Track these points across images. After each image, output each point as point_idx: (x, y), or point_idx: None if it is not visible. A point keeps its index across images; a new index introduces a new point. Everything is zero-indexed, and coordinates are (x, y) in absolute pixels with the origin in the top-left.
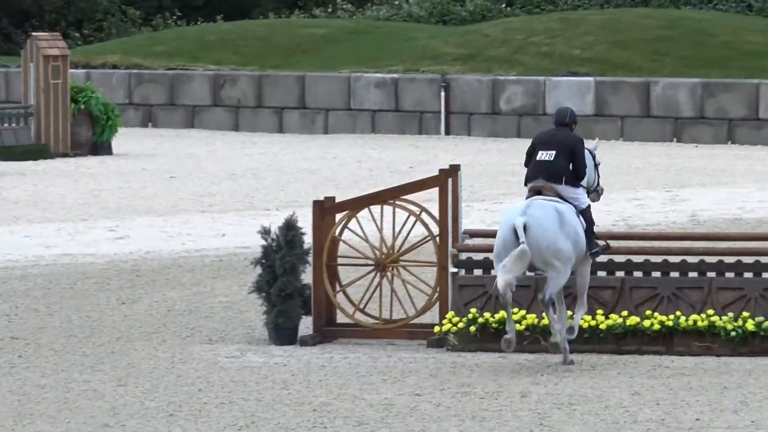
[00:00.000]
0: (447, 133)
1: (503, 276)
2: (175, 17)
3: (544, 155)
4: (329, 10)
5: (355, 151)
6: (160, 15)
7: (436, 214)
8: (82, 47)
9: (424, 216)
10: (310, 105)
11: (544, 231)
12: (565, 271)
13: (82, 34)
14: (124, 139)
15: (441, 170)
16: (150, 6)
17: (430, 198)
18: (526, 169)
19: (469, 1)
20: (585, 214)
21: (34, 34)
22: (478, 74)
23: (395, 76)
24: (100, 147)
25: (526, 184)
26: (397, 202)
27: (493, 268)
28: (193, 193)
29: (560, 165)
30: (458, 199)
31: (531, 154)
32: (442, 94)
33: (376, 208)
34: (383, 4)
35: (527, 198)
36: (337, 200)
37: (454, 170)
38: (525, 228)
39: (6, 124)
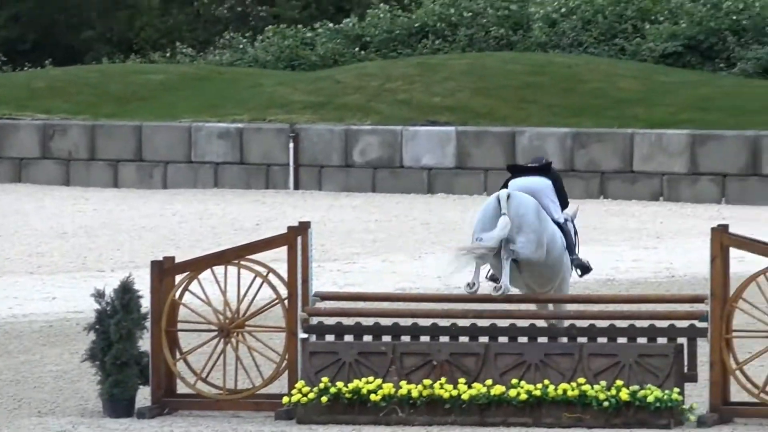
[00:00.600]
0: (296, 187)
1: (478, 249)
2: None
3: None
4: (168, 54)
5: (197, 207)
6: None
7: (285, 275)
8: None
9: (271, 277)
10: (147, 157)
11: (527, 204)
12: (537, 243)
13: None
14: None
15: (290, 228)
16: None
17: (277, 258)
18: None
19: (320, 45)
20: (562, 227)
21: None
22: (330, 123)
23: (240, 125)
24: None
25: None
26: (242, 263)
27: (345, 334)
28: (20, 253)
29: (542, 167)
30: (308, 259)
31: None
32: (291, 145)
33: (219, 269)
34: (226, 49)
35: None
36: (177, 260)
37: (303, 228)
38: (508, 198)
39: None
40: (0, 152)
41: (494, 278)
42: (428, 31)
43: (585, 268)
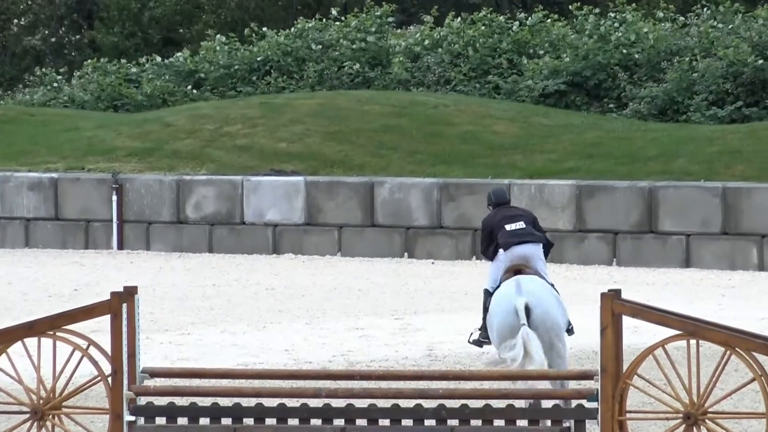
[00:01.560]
0: (120, 247)
1: (532, 363)
2: None
3: (513, 226)
4: None
5: (5, 270)
6: None
7: (108, 348)
8: None
9: (92, 351)
10: None
11: (549, 305)
12: (565, 349)
13: None
14: None
15: (113, 294)
16: None
17: (99, 329)
18: (486, 253)
19: (146, 83)
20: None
21: None
22: (159, 173)
23: (54, 175)
24: None
25: (490, 256)
26: (58, 334)
27: (179, 416)
28: None
29: (534, 232)
30: (135, 329)
31: (491, 234)
32: (114, 197)
33: (32, 342)
34: (38, 86)
35: (503, 278)
36: None
37: (129, 294)
38: (527, 309)
39: None
40: None
41: (478, 342)
42: (272, 67)
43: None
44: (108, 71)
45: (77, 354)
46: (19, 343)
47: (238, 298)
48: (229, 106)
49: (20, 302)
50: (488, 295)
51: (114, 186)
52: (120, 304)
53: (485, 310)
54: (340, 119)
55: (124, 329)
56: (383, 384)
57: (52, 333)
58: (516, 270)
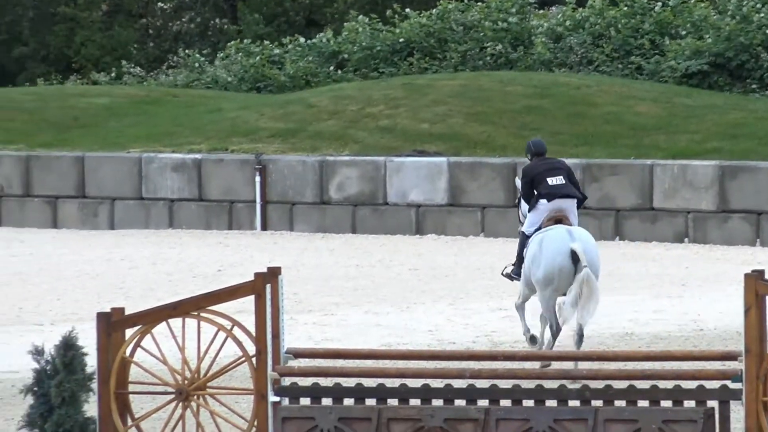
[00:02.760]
0: (264, 227)
1: (572, 311)
2: None
3: (554, 180)
4: (113, 75)
5: (150, 251)
6: None
7: (252, 329)
8: None
9: (236, 331)
10: (90, 193)
11: (596, 256)
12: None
13: None
14: None
15: (257, 274)
16: None
17: (243, 309)
18: (525, 200)
19: (290, 64)
20: None
21: None
22: (302, 154)
23: (198, 156)
24: None
25: (530, 209)
26: (202, 315)
27: (323, 396)
28: None
29: (572, 188)
30: (279, 310)
31: (531, 184)
32: (257, 179)
33: (176, 322)
34: (181, 68)
35: (545, 224)
36: (127, 312)
37: (273, 274)
38: (577, 255)
39: None
40: None
41: (509, 276)
42: (414, 48)
43: None
44: (251, 52)
45: (221, 334)
46: (163, 324)
47: (381, 278)
48: (372, 87)
49: (164, 283)
50: (525, 237)
51: (257, 167)
52: (264, 285)
53: (521, 248)
54: (482, 100)
55: (268, 310)
56: (527, 364)
57: (196, 314)
58: (557, 219)
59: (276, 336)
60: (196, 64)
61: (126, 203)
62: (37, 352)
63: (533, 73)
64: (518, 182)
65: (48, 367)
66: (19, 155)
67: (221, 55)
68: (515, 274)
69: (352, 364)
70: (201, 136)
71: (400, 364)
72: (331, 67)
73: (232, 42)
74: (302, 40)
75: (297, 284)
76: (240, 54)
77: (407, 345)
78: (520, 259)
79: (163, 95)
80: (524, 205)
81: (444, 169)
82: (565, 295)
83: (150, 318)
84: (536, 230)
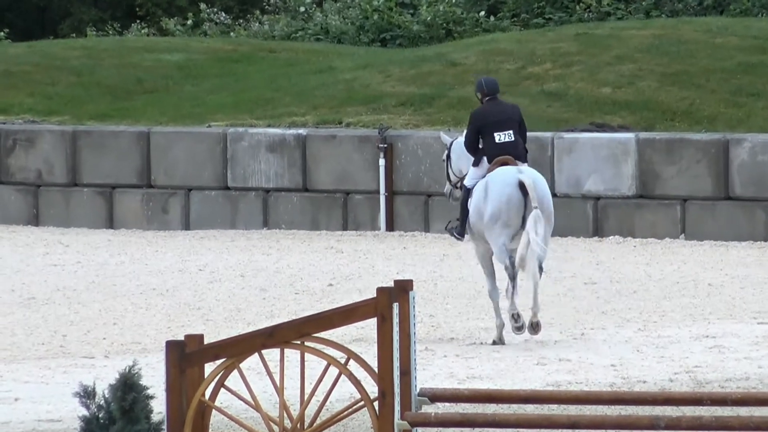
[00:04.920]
0: (390, 227)
1: (532, 251)
2: None
3: (503, 137)
4: (189, 23)
5: (237, 258)
6: None
7: (374, 363)
8: None
9: (352, 366)
10: (158, 181)
11: (547, 191)
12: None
13: None
14: None
15: (381, 290)
16: None
17: (362, 336)
18: (469, 149)
19: (425, 8)
20: None
21: None
22: (441, 128)
23: (302, 132)
24: None
25: (474, 163)
26: (307, 344)
27: None
28: None
29: (520, 144)
30: (410, 338)
31: (478, 133)
32: (382, 161)
33: (272, 354)
34: (279, 14)
35: (490, 170)
36: (206, 340)
37: (402, 290)
38: (526, 188)
39: None
40: None
41: (451, 232)
42: None
43: None
44: None
45: (333, 370)
46: (255, 357)
47: (547, 295)
48: (535, 39)
49: (257, 301)
50: (468, 190)
51: (381, 146)
52: (390, 304)
53: (463, 205)
54: (683, 56)
55: (395, 337)
56: (742, 410)
57: (299, 343)
58: (503, 162)
59: (405, 373)
60: (300, 8)
61: (205, 194)
62: (87, 395)
63: (752, 19)
64: (452, 141)
65: (101, 415)
66: (64, 130)
67: None
68: (458, 233)
69: (508, 409)
70: (306, 105)
71: (573, 409)
72: (481, 12)
73: None
74: None
75: (434, 303)
76: None
77: (582, 385)
78: (464, 215)
79: (255, 50)
80: (458, 158)
81: (632, 149)
82: (514, 234)
83: (237, 348)
84: (476, 183)
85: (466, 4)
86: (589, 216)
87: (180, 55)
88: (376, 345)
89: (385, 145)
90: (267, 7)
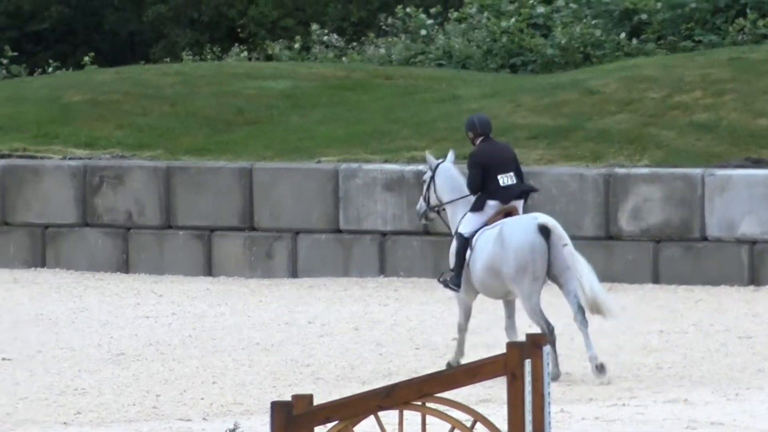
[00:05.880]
0: None
1: (598, 288)
2: (6, 61)
3: (506, 179)
4: (296, 46)
5: (351, 309)
6: None
7: (503, 426)
8: None
9: (479, 430)
10: (262, 223)
11: (564, 231)
12: None
13: None
14: None
15: (510, 345)
16: None
17: (489, 397)
18: (472, 189)
19: (560, 30)
20: None
21: None
22: (578, 164)
23: (422, 168)
24: None
25: (474, 208)
26: (428, 405)
27: None
28: (44, 389)
29: (523, 187)
30: (544, 398)
31: (484, 173)
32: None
33: (390, 416)
34: (398, 35)
35: (488, 224)
36: (316, 401)
37: (534, 345)
38: (547, 230)
39: None
40: (8, 214)
41: (446, 283)
42: (747, 4)
43: None
44: (502, 12)
45: None
46: (371, 419)
47: (697, 350)
48: (683, 64)
49: (372, 357)
50: (464, 239)
51: None
52: (521, 361)
53: (462, 253)
54: None
55: (527, 398)
56: None
57: (419, 404)
58: (507, 212)
59: None
60: (421, 31)
61: (315, 238)
62: None
63: None
64: (430, 174)
65: None
66: (156, 166)
67: (456, 15)
68: (454, 284)
69: None
70: (427, 138)
71: None
72: (622, 35)
73: None
74: None
75: (571, 359)
76: (486, 14)
77: None
78: (460, 265)
79: (371, 76)
80: (442, 184)
81: None
82: (544, 282)
83: (351, 410)
84: (475, 232)
85: (605, 25)
86: (744, 262)
87: (286, 83)
88: (505, 406)
89: None
90: (384, 28)
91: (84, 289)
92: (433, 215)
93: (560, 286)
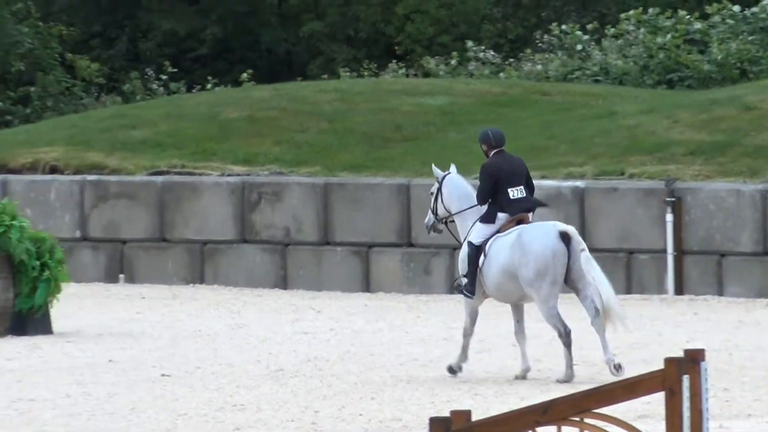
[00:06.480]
0: (679, 291)
1: (614, 299)
2: (165, 77)
3: (515, 192)
4: (452, 61)
5: (509, 326)
6: (136, 73)
7: None
8: None
9: None
10: (420, 239)
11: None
12: None
13: None
14: (72, 306)
15: (669, 360)
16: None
17: (647, 413)
18: (481, 200)
19: (717, 46)
20: None
21: None
22: (736, 180)
23: (579, 184)
24: (28, 321)
25: (484, 218)
26: (586, 420)
27: None
28: (206, 405)
29: (530, 199)
30: (702, 414)
31: (495, 185)
32: (669, 217)
33: None
34: (554, 51)
35: (501, 231)
36: (474, 416)
37: (693, 360)
38: (568, 237)
39: None
40: (167, 231)
41: (460, 289)
42: None
43: None
44: (659, 27)
45: None
46: None
47: None
48: None
49: (530, 373)
50: (475, 248)
51: (668, 200)
52: (679, 376)
53: (475, 260)
54: None
55: (685, 414)
56: None
57: (577, 419)
58: (519, 220)
59: None
60: (577, 47)
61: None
62: None
63: None
64: (437, 186)
65: None
66: (314, 183)
67: (612, 31)
68: (469, 291)
69: None
70: (584, 155)
71: None
72: None
73: (630, 12)
74: (735, 8)
75: (728, 376)
76: (642, 30)
77: None
78: (473, 273)
79: (528, 93)
80: (449, 195)
81: None
82: (561, 285)
83: (509, 426)
84: (487, 240)
85: (762, 41)
86: None
87: (443, 99)
88: (663, 422)
89: (673, 199)
90: (540, 45)
91: (242, 305)
92: (441, 227)
93: (577, 291)
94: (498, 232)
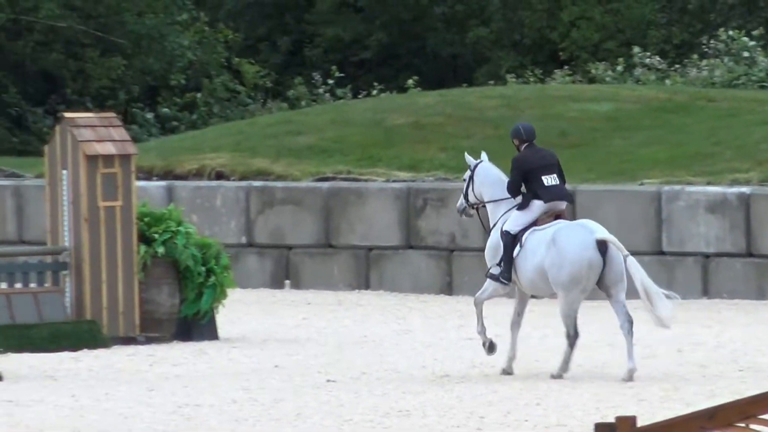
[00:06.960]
0: None
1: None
2: (331, 82)
3: (549, 180)
4: (618, 67)
5: (675, 331)
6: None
7: None
8: (159, 140)
9: None
10: None
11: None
12: None
13: (159, 114)
14: (238, 312)
15: None
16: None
17: None
18: (511, 192)
19: None
20: None
21: (67, 115)
22: None
23: (745, 191)
24: (193, 326)
25: (521, 206)
26: (753, 427)
27: None
28: (371, 410)
29: (566, 191)
30: None
31: (523, 178)
32: None
33: None
34: (720, 57)
35: (538, 223)
36: (639, 422)
37: None
38: (605, 245)
39: (20, 285)
40: (332, 236)
41: (495, 277)
42: None
43: None
44: None
45: None
46: None
47: None
48: None
49: (696, 379)
50: (510, 237)
51: None
52: None
53: (510, 249)
54: None
55: None
56: None
57: (743, 425)
58: (556, 215)
59: None
60: (744, 53)
61: (639, 260)
62: None
63: None
64: (469, 173)
65: None
66: None
67: None
68: (504, 278)
69: None
70: (750, 161)
71: None
72: None
73: None
74: None
75: None
76: None
77: None
78: (509, 261)
79: (693, 99)
80: (481, 183)
81: None
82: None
83: (675, 431)
84: (525, 230)
85: None
86: None
87: (609, 105)
88: None
89: None
90: (706, 51)
91: (408, 311)
92: (472, 212)
93: (609, 296)
94: (535, 224)
